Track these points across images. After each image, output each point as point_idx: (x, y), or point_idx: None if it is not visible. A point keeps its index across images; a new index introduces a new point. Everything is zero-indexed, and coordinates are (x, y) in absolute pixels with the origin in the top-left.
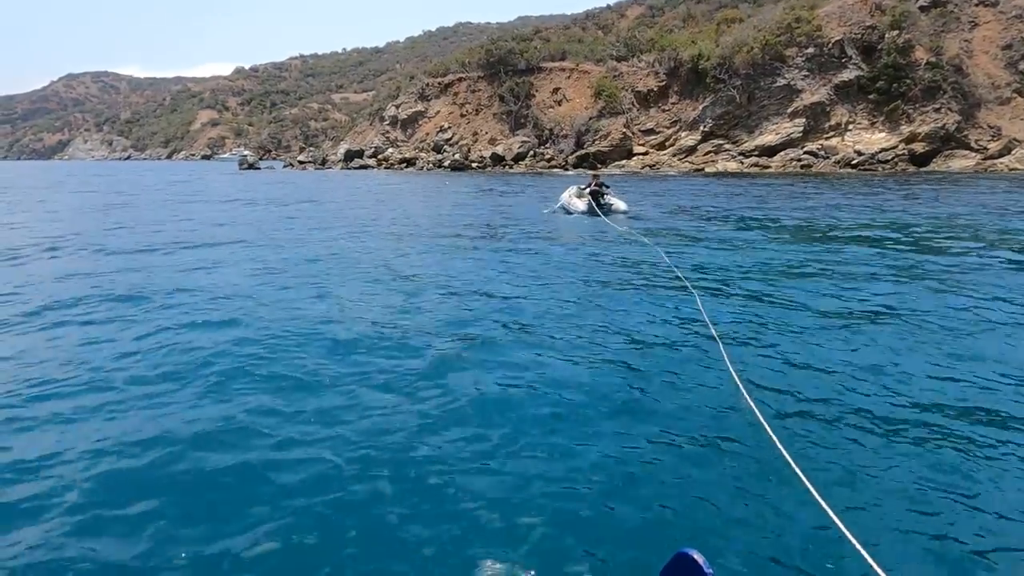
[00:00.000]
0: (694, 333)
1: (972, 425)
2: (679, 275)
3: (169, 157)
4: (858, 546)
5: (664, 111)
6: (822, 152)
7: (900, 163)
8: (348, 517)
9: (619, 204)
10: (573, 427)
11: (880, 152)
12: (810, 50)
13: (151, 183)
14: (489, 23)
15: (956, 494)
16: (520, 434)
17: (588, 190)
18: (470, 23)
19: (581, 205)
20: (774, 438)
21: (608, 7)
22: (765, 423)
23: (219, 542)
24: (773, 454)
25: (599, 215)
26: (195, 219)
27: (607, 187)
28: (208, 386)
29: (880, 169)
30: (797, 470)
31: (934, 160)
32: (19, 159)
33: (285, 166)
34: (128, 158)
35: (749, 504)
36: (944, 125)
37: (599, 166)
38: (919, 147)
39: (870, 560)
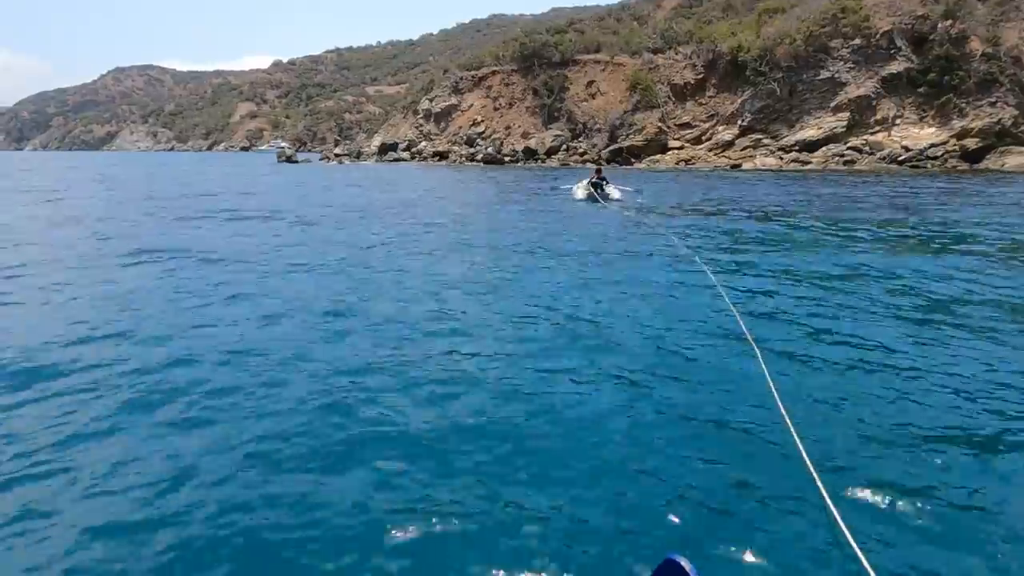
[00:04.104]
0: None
1: None
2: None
3: (210, 149)
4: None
5: (701, 105)
6: (867, 148)
7: (951, 159)
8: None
9: (614, 193)
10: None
11: (929, 148)
12: (856, 41)
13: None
14: (523, 15)
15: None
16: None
17: (591, 181)
18: (504, 15)
19: (581, 193)
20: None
21: None
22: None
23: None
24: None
25: (596, 199)
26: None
27: (606, 180)
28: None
29: (929, 166)
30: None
31: (988, 157)
32: (70, 150)
33: (321, 158)
34: (172, 149)
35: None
36: (1000, 120)
37: (633, 160)
38: (972, 143)
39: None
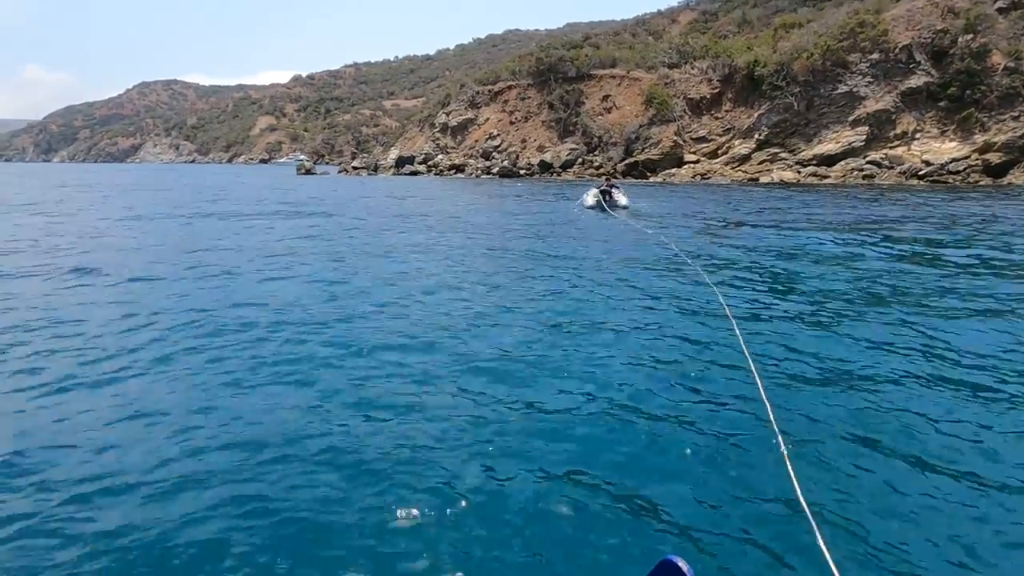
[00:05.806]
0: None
1: None
2: (661, 240)
3: (230, 161)
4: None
5: (717, 119)
6: (886, 162)
7: (973, 174)
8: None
9: (622, 200)
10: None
11: (951, 162)
12: (875, 56)
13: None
14: (538, 30)
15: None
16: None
17: (601, 189)
18: (519, 30)
19: (591, 201)
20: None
21: (659, 13)
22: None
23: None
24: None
25: (605, 207)
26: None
27: (616, 188)
28: None
29: (950, 180)
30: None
31: (1011, 171)
32: (95, 162)
33: (339, 171)
34: (193, 161)
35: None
36: (1023, 134)
37: (649, 174)
38: (994, 157)
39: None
